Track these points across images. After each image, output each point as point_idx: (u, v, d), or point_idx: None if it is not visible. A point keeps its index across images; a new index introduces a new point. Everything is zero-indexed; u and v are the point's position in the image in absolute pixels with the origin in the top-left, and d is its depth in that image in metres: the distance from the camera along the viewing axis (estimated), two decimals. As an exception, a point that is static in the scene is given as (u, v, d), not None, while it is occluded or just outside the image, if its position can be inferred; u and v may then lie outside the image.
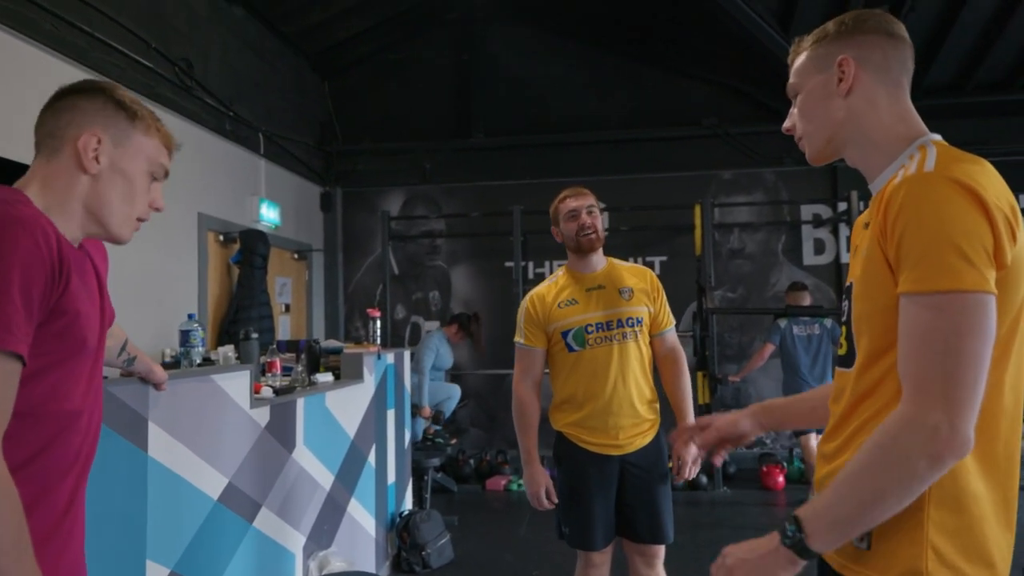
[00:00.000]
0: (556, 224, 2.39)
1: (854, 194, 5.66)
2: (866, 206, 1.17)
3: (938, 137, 1.12)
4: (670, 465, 2.29)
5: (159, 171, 1.21)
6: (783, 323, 5.03)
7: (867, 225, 1.11)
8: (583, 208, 2.32)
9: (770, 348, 5.07)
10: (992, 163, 1.08)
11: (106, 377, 1.44)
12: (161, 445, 1.89)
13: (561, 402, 2.33)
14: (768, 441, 6.29)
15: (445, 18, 6.65)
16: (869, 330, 1.08)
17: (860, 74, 1.14)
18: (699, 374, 5.67)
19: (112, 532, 1.67)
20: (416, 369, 5.40)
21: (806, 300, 5.19)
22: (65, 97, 1.14)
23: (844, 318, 1.17)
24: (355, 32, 6.37)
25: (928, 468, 0.93)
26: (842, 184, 6.13)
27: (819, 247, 6.38)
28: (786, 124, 1.26)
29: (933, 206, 0.96)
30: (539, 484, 2.25)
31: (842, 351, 1.18)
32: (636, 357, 2.27)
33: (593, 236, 2.30)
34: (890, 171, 1.11)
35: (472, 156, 6.75)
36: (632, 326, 2.27)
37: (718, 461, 1.50)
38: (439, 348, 5.57)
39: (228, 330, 4.63)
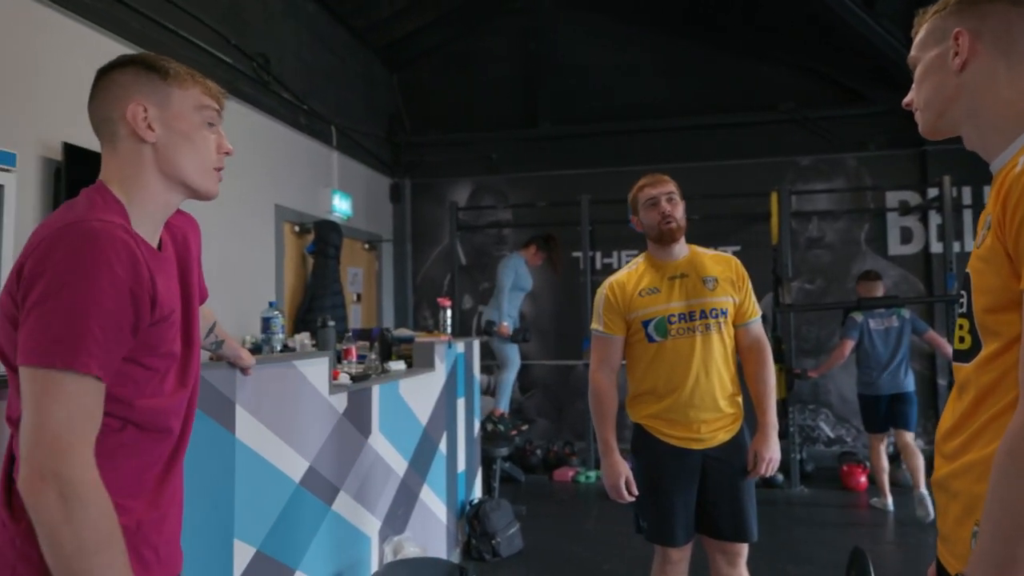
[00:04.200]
0: (635, 213, 2.32)
1: (947, 179, 5.32)
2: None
3: None
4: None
5: (213, 117, 1.21)
6: (859, 317, 4.74)
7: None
8: (662, 195, 2.25)
9: (850, 344, 4.76)
10: None
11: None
12: (247, 428, 1.94)
13: (640, 393, 2.26)
14: (849, 440, 6.03)
15: (510, 7, 6.61)
16: (992, 324, 1.01)
17: (977, 48, 1.06)
18: (776, 368, 5.46)
19: (202, 511, 1.72)
20: (495, 290, 5.36)
21: (879, 290, 4.87)
22: (102, 79, 1.15)
23: (963, 309, 1.09)
24: (422, 25, 6.41)
25: None
26: (933, 169, 5.78)
27: (906, 236, 6.04)
28: (906, 98, 1.20)
29: None
30: (619, 475, 2.18)
31: (964, 345, 1.09)
32: (719, 349, 2.18)
33: (673, 226, 2.22)
34: (1009, 152, 1.03)
35: (538, 146, 6.71)
36: (716, 317, 2.18)
37: None
38: (518, 268, 5.38)
39: (304, 318, 4.74)
